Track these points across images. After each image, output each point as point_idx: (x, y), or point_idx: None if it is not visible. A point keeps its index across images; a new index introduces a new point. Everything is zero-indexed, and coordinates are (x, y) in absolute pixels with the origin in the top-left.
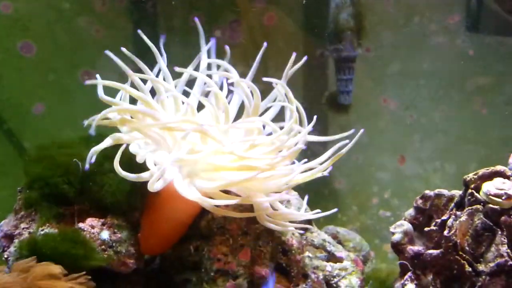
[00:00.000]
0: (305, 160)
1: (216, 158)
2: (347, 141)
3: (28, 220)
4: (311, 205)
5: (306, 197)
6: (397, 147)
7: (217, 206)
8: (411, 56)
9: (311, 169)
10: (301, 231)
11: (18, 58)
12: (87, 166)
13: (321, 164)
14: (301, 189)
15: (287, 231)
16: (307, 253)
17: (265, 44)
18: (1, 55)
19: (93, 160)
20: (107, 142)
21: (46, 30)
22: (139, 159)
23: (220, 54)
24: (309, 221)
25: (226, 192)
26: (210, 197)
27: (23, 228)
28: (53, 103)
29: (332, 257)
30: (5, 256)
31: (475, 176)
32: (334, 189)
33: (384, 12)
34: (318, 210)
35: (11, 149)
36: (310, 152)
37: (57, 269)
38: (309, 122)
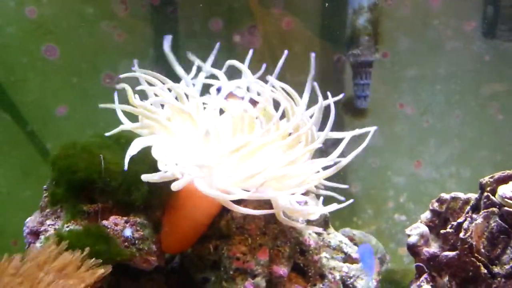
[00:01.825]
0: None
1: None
2: (370, 129)
3: (54, 217)
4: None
5: (321, 198)
6: (413, 151)
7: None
8: (428, 61)
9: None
10: (320, 230)
11: (42, 61)
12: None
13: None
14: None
15: (305, 232)
16: (324, 254)
17: (286, 52)
18: (25, 58)
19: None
20: (137, 147)
21: (70, 34)
22: (161, 164)
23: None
24: (326, 223)
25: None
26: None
27: (48, 225)
28: (76, 105)
29: (348, 258)
30: None
31: (491, 179)
32: (350, 193)
33: (401, 18)
34: (334, 204)
35: (34, 150)
36: (326, 155)
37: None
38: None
